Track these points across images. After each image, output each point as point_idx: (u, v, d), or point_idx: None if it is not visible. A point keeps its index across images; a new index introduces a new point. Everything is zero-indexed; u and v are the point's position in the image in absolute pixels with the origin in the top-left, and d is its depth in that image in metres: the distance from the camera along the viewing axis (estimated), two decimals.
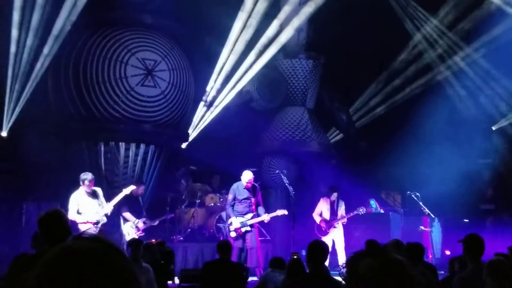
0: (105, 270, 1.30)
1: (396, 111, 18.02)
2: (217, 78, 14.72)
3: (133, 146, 13.09)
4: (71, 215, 10.05)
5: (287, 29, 14.53)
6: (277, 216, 11.49)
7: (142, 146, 13.17)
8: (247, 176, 11.20)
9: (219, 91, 14.85)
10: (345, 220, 12.53)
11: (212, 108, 14.95)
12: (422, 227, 13.37)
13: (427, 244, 12.71)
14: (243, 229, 11.04)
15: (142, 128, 12.95)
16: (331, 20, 14.86)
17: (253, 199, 11.22)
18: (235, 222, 11.07)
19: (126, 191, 10.97)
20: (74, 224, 9.98)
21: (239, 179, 11.38)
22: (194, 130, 14.84)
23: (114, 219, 11.50)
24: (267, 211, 11.49)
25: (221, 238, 12.22)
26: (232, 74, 14.74)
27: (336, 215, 12.51)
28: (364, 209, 12.60)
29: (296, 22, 14.50)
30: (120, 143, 12.99)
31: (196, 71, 14.17)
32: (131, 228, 11.42)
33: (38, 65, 12.49)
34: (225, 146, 14.67)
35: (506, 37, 15.51)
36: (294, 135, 15.78)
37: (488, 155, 17.90)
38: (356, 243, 12.39)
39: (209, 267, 7.68)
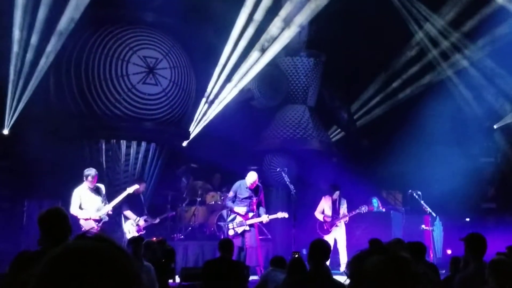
0: (108, 269, 1.30)
1: (398, 110, 18.00)
2: (218, 76, 14.70)
3: (134, 144, 13.08)
4: (73, 210, 10.06)
5: (290, 26, 14.49)
6: (277, 218, 11.48)
7: (143, 144, 13.16)
8: (251, 177, 11.16)
9: (220, 89, 14.84)
10: (347, 218, 12.52)
11: (213, 106, 14.94)
12: (423, 226, 13.36)
13: (429, 243, 12.68)
14: (241, 228, 11.03)
15: (143, 126, 12.95)
16: (332, 17, 14.83)
17: (254, 199, 11.20)
18: (239, 209, 11.05)
19: (130, 190, 10.99)
20: (76, 220, 10.00)
21: (240, 177, 11.37)
22: (195, 128, 14.83)
23: (115, 217, 11.50)
24: (268, 210, 11.48)
25: (222, 237, 12.21)
26: (234, 72, 14.72)
27: (338, 213, 12.50)
28: (366, 208, 12.59)
29: (300, 19, 14.46)
30: (121, 141, 12.98)
31: (197, 69, 14.15)
32: (131, 226, 11.42)
33: (40, 63, 12.49)
34: (226, 144, 14.65)
35: (508, 36, 15.48)
36: (295, 133, 15.77)
37: (490, 153, 17.89)
38: (357, 242, 12.40)
39: (210, 266, 7.66)
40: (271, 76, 15.72)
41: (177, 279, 10.11)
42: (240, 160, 14.52)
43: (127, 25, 13.00)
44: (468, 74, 17.07)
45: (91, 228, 10.00)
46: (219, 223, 13.37)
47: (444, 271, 9.02)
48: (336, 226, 12.47)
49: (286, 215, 11.37)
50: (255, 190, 11.23)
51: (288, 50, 15.76)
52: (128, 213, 11.52)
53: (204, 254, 12.53)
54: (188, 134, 14.46)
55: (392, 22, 16.44)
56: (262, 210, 11.27)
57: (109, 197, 10.75)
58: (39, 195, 12.30)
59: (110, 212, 10.56)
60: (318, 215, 12.57)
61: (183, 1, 13.29)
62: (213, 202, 14.16)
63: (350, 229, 12.85)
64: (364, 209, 12.48)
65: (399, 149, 15.84)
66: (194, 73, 13.92)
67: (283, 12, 14.44)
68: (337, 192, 12.54)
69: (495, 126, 17.43)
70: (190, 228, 13.67)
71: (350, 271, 1.94)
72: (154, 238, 9.57)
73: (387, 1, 16.42)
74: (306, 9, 14.43)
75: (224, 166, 14.79)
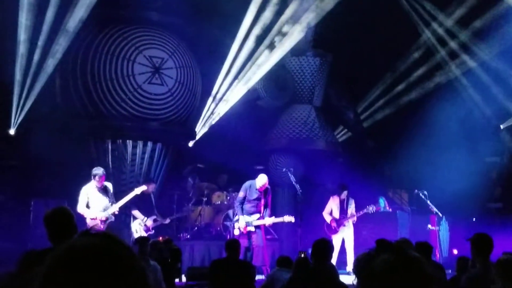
0: (113, 267, 1.29)
1: (404, 110, 17.94)
2: (225, 76, 14.70)
3: (140, 144, 13.10)
4: (80, 208, 10.08)
5: (299, 25, 14.47)
6: (283, 222, 11.49)
7: (149, 144, 13.18)
8: (262, 180, 11.16)
9: (226, 89, 14.84)
10: (355, 218, 12.50)
11: (219, 106, 14.93)
12: (429, 226, 13.32)
13: (435, 243, 12.65)
14: (247, 229, 11.05)
15: (149, 126, 12.96)
16: (339, 17, 14.80)
17: (262, 200, 11.22)
18: (242, 221, 11.08)
19: (137, 191, 11.00)
20: (82, 219, 10.02)
21: (246, 177, 11.36)
22: (201, 128, 14.83)
23: (121, 216, 11.52)
24: (274, 209, 11.48)
25: (228, 236, 12.23)
26: (241, 72, 14.72)
27: (346, 213, 12.48)
28: (374, 207, 12.57)
29: (308, 18, 14.42)
30: (128, 141, 13.00)
31: (203, 69, 14.16)
32: (139, 226, 11.44)
33: (47, 63, 12.52)
34: (232, 144, 14.65)
35: None
36: (301, 133, 15.74)
37: (496, 153, 17.82)
38: (363, 242, 12.38)
39: (217, 265, 7.67)
40: (277, 76, 15.70)
41: (184, 279, 10.12)
42: (246, 160, 14.51)
43: (133, 25, 13.02)
44: (475, 74, 17.00)
45: (96, 225, 10.00)
46: (225, 223, 13.38)
47: (450, 271, 9.01)
48: (344, 226, 12.45)
49: (292, 219, 11.37)
50: (264, 192, 11.24)
51: (294, 50, 15.72)
52: (136, 213, 11.54)
53: (210, 254, 12.53)
54: (194, 134, 14.46)
55: (400, 22, 16.39)
56: (267, 212, 11.27)
57: (115, 197, 10.77)
58: (45, 195, 12.34)
59: (116, 213, 10.57)
60: (326, 216, 12.55)
61: (189, 0, 13.30)
62: (219, 202, 14.15)
63: (356, 229, 12.82)
64: (371, 208, 12.46)
65: (406, 149, 15.79)
66: (200, 73, 13.93)
67: (292, 11, 14.41)
68: (345, 192, 12.52)
69: (501, 126, 17.36)
70: (196, 228, 13.67)
71: (359, 270, 1.93)
72: (161, 238, 9.58)
73: (395, 0, 16.37)
74: (314, 8, 14.40)
75: (230, 166, 14.79)
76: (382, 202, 14.56)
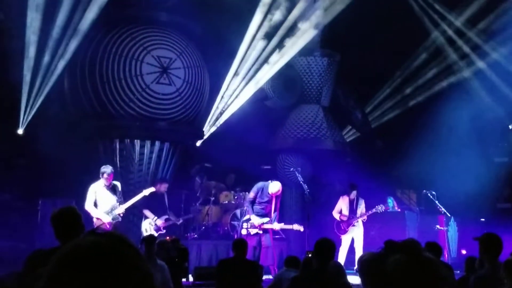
0: (118, 266, 1.29)
1: (412, 110, 17.89)
2: (233, 75, 14.69)
3: (148, 144, 13.11)
4: (88, 206, 10.07)
5: (308, 26, 14.44)
6: (292, 229, 11.49)
7: (157, 143, 13.19)
8: (275, 187, 11.18)
9: (234, 89, 14.83)
10: (365, 218, 12.47)
11: (227, 106, 14.93)
12: (438, 226, 13.28)
13: (443, 243, 12.61)
14: (254, 230, 11.06)
15: (157, 125, 12.98)
16: (347, 17, 14.75)
17: (272, 203, 11.23)
18: (255, 219, 11.07)
19: (146, 192, 10.99)
20: (89, 217, 10.01)
21: (254, 177, 11.36)
22: (209, 127, 14.84)
23: (129, 216, 11.53)
24: (281, 209, 11.46)
25: (235, 236, 12.21)
26: (249, 71, 14.70)
27: (356, 213, 12.45)
28: (383, 207, 12.54)
29: (319, 18, 14.40)
30: (135, 141, 13.02)
31: (211, 69, 14.16)
32: (149, 225, 11.44)
33: (55, 63, 12.57)
34: (239, 143, 14.64)
35: None
36: (309, 132, 15.72)
37: (505, 153, 17.74)
38: (371, 242, 12.34)
39: (224, 265, 7.66)
40: (285, 76, 15.68)
41: (191, 278, 10.12)
42: (253, 160, 14.51)
43: (141, 25, 13.04)
44: (485, 74, 16.92)
45: (102, 224, 9.99)
46: (232, 222, 13.38)
47: (458, 271, 8.97)
48: (353, 225, 12.42)
49: (301, 228, 11.35)
50: (275, 196, 11.26)
51: (302, 50, 15.70)
52: (147, 212, 11.55)
53: (217, 253, 12.54)
54: (202, 133, 14.47)
55: (409, 22, 16.33)
56: (274, 215, 11.27)
57: (123, 196, 10.77)
58: (53, 194, 12.38)
59: (122, 214, 10.51)
60: (336, 215, 12.54)
61: (197, 0, 13.30)
62: (226, 202, 14.16)
63: (364, 229, 12.79)
64: (380, 208, 12.44)
65: (414, 149, 15.75)
66: (208, 73, 13.94)
67: (301, 10, 14.37)
68: (355, 192, 12.49)
69: (510, 127, 17.27)
70: (203, 227, 13.68)
71: (365, 270, 1.91)
72: (168, 237, 9.59)
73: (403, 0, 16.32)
74: (325, 8, 14.38)
75: (237, 166, 14.79)
76: (391, 202, 14.53)
